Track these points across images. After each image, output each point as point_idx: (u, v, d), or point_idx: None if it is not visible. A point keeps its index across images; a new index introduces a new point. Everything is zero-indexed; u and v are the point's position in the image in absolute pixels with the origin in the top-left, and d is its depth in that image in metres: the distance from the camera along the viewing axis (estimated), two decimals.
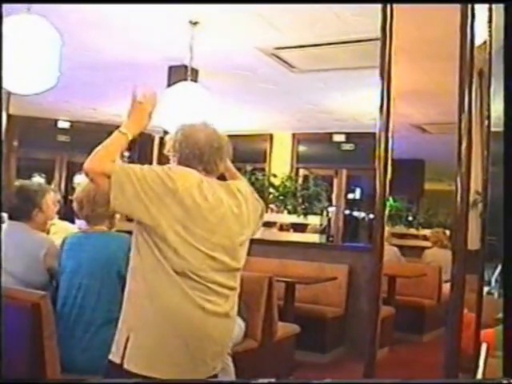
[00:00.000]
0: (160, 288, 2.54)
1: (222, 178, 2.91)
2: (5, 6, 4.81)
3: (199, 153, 2.71)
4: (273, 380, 2.20)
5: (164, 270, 2.52)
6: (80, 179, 3.51)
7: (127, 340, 2.54)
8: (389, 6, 2.02)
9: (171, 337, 2.55)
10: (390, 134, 1.99)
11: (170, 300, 2.53)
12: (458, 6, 1.78)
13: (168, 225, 2.51)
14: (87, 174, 2.53)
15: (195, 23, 5.74)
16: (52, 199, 3.98)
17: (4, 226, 4.18)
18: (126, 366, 2.51)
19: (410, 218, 10.51)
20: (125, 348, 2.53)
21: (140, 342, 2.54)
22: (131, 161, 8.87)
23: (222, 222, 2.65)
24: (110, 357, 2.61)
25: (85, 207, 3.56)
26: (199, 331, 2.58)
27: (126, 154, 12.04)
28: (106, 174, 2.47)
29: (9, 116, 9.65)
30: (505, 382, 1.90)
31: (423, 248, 9.09)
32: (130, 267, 2.66)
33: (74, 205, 3.63)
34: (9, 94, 9.01)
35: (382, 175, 1.96)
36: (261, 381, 2.28)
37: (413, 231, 10.25)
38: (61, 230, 4.91)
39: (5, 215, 5.16)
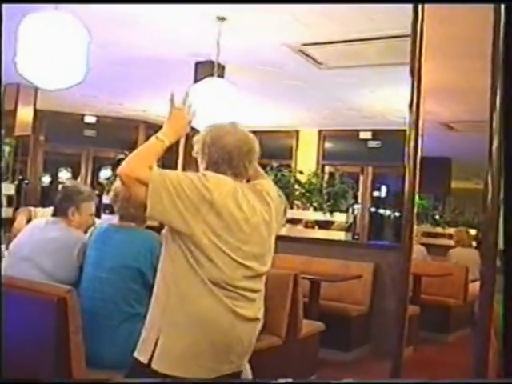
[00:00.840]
0: (192, 294, 2.53)
1: None
2: (32, 4, 4.86)
3: (228, 157, 2.66)
4: (290, 380, 2.18)
5: (197, 277, 2.51)
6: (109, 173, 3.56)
7: (156, 341, 2.53)
8: (420, 5, 2.00)
9: (201, 341, 2.54)
10: (419, 132, 1.97)
11: (202, 306, 2.53)
12: (490, 5, 1.75)
13: (203, 233, 2.49)
14: (122, 179, 2.52)
15: (222, 19, 5.74)
16: (94, 207, 4.02)
17: (40, 220, 4.21)
18: (153, 366, 2.51)
19: (437, 217, 10.45)
20: (154, 349, 2.53)
21: (170, 344, 2.54)
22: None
23: (254, 231, 2.63)
24: (136, 355, 2.61)
25: (119, 202, 3.57)
26: (229, 335, 2.59)
27: None
28: (141, 181, 2.45)
29: (36, 111, 9.76)
30: (505, 382, 1.88)
31: (449, 247, 9.02)
32: (161, 271, 2.65)
33: (110, 195, 3.65)
34: (36, 89, 9.12)
35: (411, 173, 1.94)
36: (280, 381, 2.26)
37: (439, 230, 10.18)
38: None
39: (46, 210, 5.21)
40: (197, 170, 2.78)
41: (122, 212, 3.59)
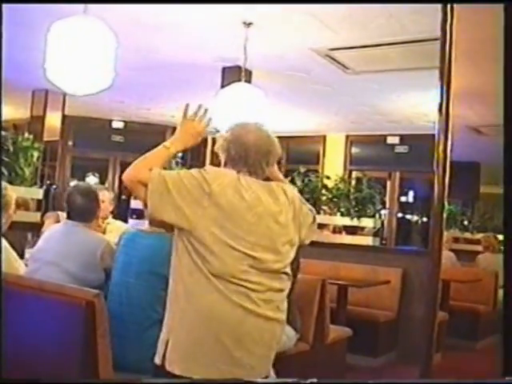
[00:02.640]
0: (197, 290, 2.52)
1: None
2: (60, 7, 4.91)
3: (245, 155, 2.68)
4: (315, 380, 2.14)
5: (201, 273, 2.50)
6: None
7: (167, 342, 2.55)
8: (449, 6, 1.98)
9: (207, 337, 2.52)
10: (449, 136, 1.95)
11: (207, 301, 2.51)
12: None
13: (204, 227, 2.49)
14: (125, 182, 2.61)
15: (249, 24, 5.74)
16: (107, 198, 4.03)
17: (58, 224, 4.25)
18: (167, 367, 2.52)
19: (465, 222, 10.34)
20: (165, 350, 2.55)
21: (178, 343, 2.54)
22: (184, 162, 8.92)
23: (260, 220, 2.59)
24: (155, 359, 2.63)
25: None
26: (236, 331, 2.54)
27: (179, 154, 12.10)
28: (142, 182, 2.52)
29: (64, 116, 9.84)
30: (505, 381, 1.85)
31: (478, 252, 8.92)
32: (171, 269, 2.67)
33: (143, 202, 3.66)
34: (64, 94, 9.19)
35: (440, 178, 1.92)
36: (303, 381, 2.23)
37: (467, 235, 10.08)
38: (115, 229, 4.98)
39: (61, 213, 5.25)
40: None
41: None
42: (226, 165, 2.72)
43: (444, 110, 1.94)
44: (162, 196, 2.47)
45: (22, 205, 6.16)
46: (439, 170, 1.91)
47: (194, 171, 2.59)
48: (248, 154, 2.67)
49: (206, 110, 2.90)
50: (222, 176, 2.61)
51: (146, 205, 2.57)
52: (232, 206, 2.53)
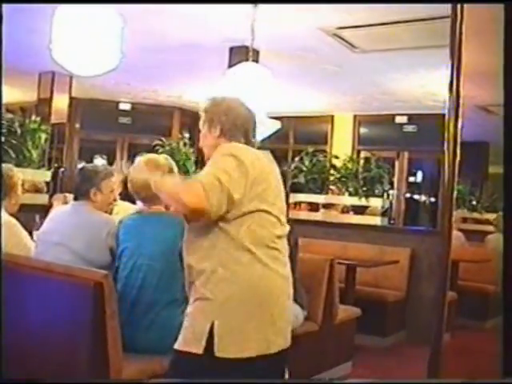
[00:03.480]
0: (241, 264, 2.49)
1: None
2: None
3: (242, 126, 2.79)
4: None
5: (243, 246, 2.48)
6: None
7: (211, 329, 2.44)
8: None
9: (258, 310, 2.50)
10: (459, 115, 1.92)
11: (253, 273, 2.50)
12: None
13: (248, 201, 2.49)
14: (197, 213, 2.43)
15: (256, 4, 5.70)
16: (115, 182, 4.02)
17: (64, 206, 4.26)
18: (218, 354, 2.42)
19: (474, 202, 10.30)
20: (210, 337, 2.43)
21: (229, 326, 2.47)
22: (192, 142, 8.91)
23: (278, 184, 2.68)
24: (183, 347, 2.52)
25: (142, 192, 3.55)
26: (280, 298, 2.57)
27: (187, 135, 12.15)
28: (202, 192, 2.37)
29: (71, 98, 9.83)
30: (505, 381, 1.85)
31: (487, 233, 8.89)
32: (194, 257, 2.60)
33: (129, 187, 3.63)
34: (71, 77, 9.17)
35: (450, 158, 1.90)
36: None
37: (476, 215, 10.04)
38: (122, 210, 4.97)
39: (68, 195, 5.26)
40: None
41: (147, 198, 3.56)
42: (219, 137, 2.76)
43: (455, 88, 1.92)
44: (220, 193, 2.39)
45: (34, 188, 6.18)
46: (449, 150, 1.89)
47: (227, 158, 2.52)
48: (245, 126, 2.80)
49: None
50: (243, 148, 2.66)
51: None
52: (261, 174, 2.56)
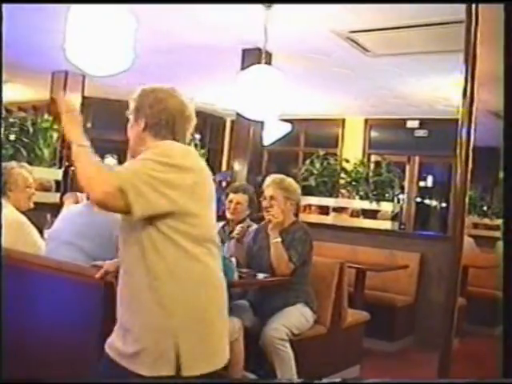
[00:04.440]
0: (183, 268, 2.36)
1: None
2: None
3: (171, 120, 2.55)
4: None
5: (185, 248, 2.35)
6: None
7: (176, 347, 2.28)
8: None
9: (217, 316, 2.44)
10: (473, 121, 1.92)
11: (204, 276, 2.41)
12: None
13: (188, 200, 2.36)
14: (104, 202, 2.29)
15: (269, 6, 5.70)
16: None
17: (79, 205, 4.26)
18: (186, 373, 2.28)
19: (484, 208, 10.27)
20: (177, 356, 2.27)
21: (195, 339, 2.33)
22: (203, 143, 8.92)
23: (211, 182, 2.57)
24: (150, 372, 2.28)
25: None
26: (224, 294, 2.50)
27: (197, 136, 12.11)
28: (116, 191, 2.23)
29: (84, 98, 9.86)
30: (505, 381, 1.84)
31: (497, 238, 8.86)
32: (147, 275, 2.35)
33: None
34: (84, 76, 9.20)
35: (463, 162, 1.89)
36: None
37: (487, 221, 10.01)
38: None
39: (80, 194, 5.27)
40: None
41: None
42: (144, 130, 2.55)
43: (468, 93, 1.91)
44: (142, 192, 2.24)
45: (42, 186, 6.18)
46: (462, 156, 1.88)
47: (150, 157, 2.35)
48: (174, 120, 2.56)
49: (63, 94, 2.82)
50: (178, 147, 2.49)
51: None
52: (199, 174, 2.45)
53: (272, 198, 4.51)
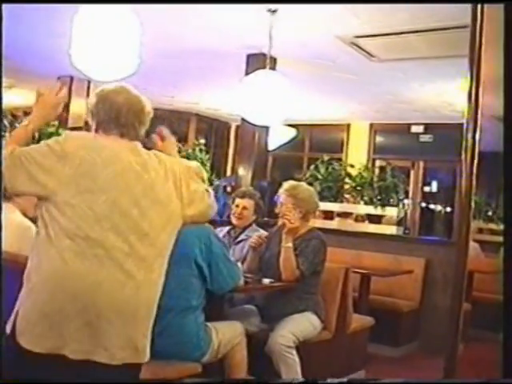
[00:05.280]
0: (44, 266, 2.36)
1: None
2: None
3: (115, 115, 2.57)
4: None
5: (52, 240, 2.34)
6: None
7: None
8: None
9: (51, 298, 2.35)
10: (478, 126, 1.92)
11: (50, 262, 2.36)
12: None
13: (63, 190, 2.36)
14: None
15: (274, 11, 5.70)
16: None
17: None
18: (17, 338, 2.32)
19: (489, 213, 10.25)
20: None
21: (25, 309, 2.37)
22: (208, 148, 8.94)
23: (118, 178, 2.45)
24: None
25: None
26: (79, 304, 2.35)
27: (202, 141, 12.14)
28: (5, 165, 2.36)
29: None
30: (505, 381, 1.84)
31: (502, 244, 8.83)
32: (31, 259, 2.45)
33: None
34: (89, 81, 9.22)
35: (468, 167, 1.89)
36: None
37: (492, 226, 9.99)
38: None
39: None
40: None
41: None
42: (96, 130, 2.62)
43: (473, 98, 1.91)
44: (15, 168, 2.34)
45: None
46: (467, 161, 1.88)
47: (48, 140, 2.48)
48: (119, 115, 2.58)
49: (61, 84, 2.87)
50: (75, 136, 2.53)
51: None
52: (86, 165, 2.41)
53: (282, 204, 4.53)
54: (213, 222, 3.59)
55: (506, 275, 1.56)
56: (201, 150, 8.20)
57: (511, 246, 1.58)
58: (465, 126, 1.92)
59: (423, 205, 12.23)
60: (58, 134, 6.39)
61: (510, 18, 1.68)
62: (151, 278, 2.51)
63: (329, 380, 3.90)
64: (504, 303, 1.55)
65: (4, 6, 2.65)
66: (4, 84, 4.24)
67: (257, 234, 4.73)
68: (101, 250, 2.36)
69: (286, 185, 4.62)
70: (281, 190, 4.61)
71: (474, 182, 1.88)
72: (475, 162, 1.89)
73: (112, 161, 2.46)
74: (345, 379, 4.79)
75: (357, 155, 11.43)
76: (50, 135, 6.36)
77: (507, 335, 1.55)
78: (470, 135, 1.90)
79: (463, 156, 1.91)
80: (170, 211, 2.56)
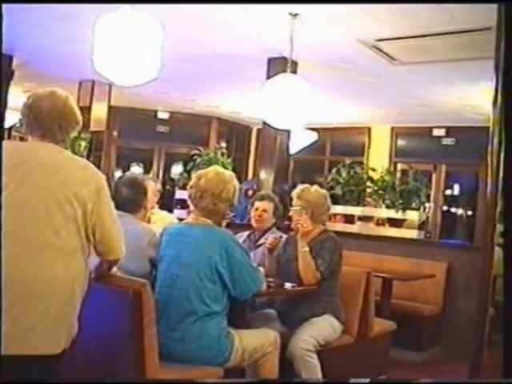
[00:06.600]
0: None
1: None
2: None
3: (34, 117, 2.72)
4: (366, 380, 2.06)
5: None
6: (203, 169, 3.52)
7: None
8: None
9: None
10: (503, 129, 1.90)
11: None
12: None
13: None
14: None
15: (295, 15, 5.70)
16: (152, 189, 4.03)
17: None
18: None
19: None
20: None
21: None
22: (229, 152, 8.96)
23: (29, 175, 2.57)
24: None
25: (207, 199, 3.55)
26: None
27: (223, 145, 12.21)
28: None
29: (110, 107, 9.95)
30: (505, 381, 1.82)
31: None
32: None
33: (193, 192, 3.61)
34: (110, 85, 9.28)
35: (494, 172, 1.87)
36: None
37: None
38: (160, 219, 5.00)
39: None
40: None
41: (206, 209, 3.57)
42: (26, 134, 2.77)
43: (499, 101, 1.89)
44: None
45: None
46: (493, 164, 1.86)
47: None
48: (39, 116, 2.71)
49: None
50: (8, 145, 2.65)
51: None
52: (8, 164, 2.51)
53: (293, 207, 4.53)
54: (233, 226, 3.60)
55: (506, 277, 1.54)
56: (222, 154, 8.21)
57: (511, 246, 1.57)
58: (490, 129, 1.90)
59: (445, 208, 12.15)
60: (81, 139, 6.47)
61: (510, 19, 1.66)
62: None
63: (352, 380, 3.89)
64: (504, 303, 1.54)
65: (22, 13, 2.70)
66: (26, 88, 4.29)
67: (272, 235, 4.73)
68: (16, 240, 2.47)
69: (297, 188, 4.62)
70: (292, 193, 4.62)
71: (500, 187, 1.86)
72: (501, 166, 1.87)
73: (27, 157, 2.62)
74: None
75: (378, 158, 11.38)
76: (74, 139, 6.42)
77: (507, 335, 1.54)
78: (496, 139, 1.88)
79: (489, 160, 1.89)
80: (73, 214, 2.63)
